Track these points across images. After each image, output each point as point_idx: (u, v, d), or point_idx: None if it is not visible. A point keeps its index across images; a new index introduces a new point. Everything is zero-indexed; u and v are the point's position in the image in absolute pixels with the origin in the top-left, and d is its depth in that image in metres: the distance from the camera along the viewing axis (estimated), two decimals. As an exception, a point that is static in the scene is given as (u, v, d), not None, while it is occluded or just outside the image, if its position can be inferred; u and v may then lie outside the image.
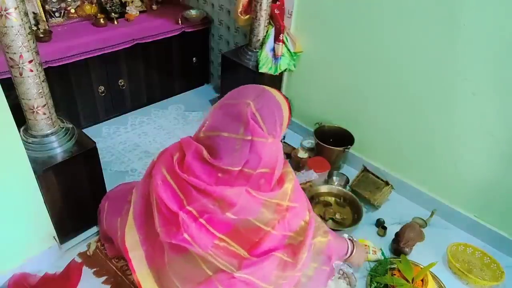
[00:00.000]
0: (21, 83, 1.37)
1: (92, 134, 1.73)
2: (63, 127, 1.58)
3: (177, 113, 2.69)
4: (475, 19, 1.55)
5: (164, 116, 2.65)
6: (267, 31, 2.27)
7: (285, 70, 2.33)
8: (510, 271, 1.69)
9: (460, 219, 1.92)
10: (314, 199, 1.97)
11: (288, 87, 2.45)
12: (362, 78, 2.04)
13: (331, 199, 2.01)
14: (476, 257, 1.77)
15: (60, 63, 2.08)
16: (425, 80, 1.79)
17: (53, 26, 2.25)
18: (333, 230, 1.76)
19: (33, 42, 1.33)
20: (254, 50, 2.34)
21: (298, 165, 2.09)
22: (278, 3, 2.18)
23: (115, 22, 2.39)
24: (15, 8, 1.22)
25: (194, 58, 2.83)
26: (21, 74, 1.35)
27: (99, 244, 1.70)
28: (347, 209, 1.97)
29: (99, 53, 2.23)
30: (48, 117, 1.49)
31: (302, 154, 2.09)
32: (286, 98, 1.29)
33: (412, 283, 1.52)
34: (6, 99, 1.21)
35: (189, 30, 2.63)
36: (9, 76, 1.38)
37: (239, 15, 2.30)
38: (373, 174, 2.08)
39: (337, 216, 1.90)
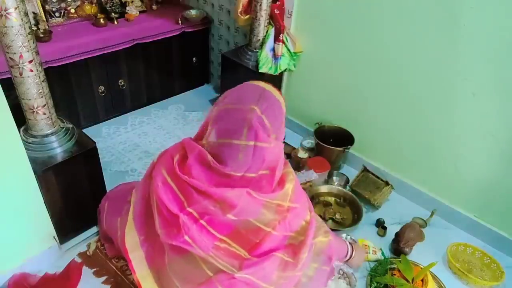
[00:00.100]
0: (21, 83, 1.37)
1: (92, 134, 1.73)
2: (63, 127, 1.58)
3: (177, 113, 2.69)
4: (475, 19, 1.55)
5: (164, 116, 2.65)
6: (267, 31, 2.27)
7: (285, 70, 2.33)
8: (510, 271, 1.69)
9: (460, 219, 1.92)
10: (314, 199, 1.97)
11: (288, 87, 2.45)
12: (362, 78, 2.04)
13: (331, 199, 2.01)
14: (476, 257, 1.77)
15: (60, 63, 2.08)
16: (425, 80, 1.79)
17: (53, 26, 2.25)
18: (333, 230, 1.76)
19: (33, 42, 1.33)
20: (254, 50, 2.34)
21: (298, 165, 2.09)
22: (278, 3, 2.18)
23: (115, 22, 2.39)
24: (15, 8, 1.22)
25: (194, 58, 2.82)
26: (21, 74, 1.35)
27: (99, 244, 1.70)
28: (347, 209, 1.97)
29: (99, 53, 2.23)
30: (48, 117, 1.49)
31: (302, 154, 2.09)
32: (280, 92, 1.29)
33: (412, 283, 1.52)
34: (6, 99, 1.21)
35: (189, 30, 2.63)
36: (9, 76, 1.38)
37: (239, 15, 2.30)
38: (373, 174, 2.08)
39: (337, 216, 1.90)
